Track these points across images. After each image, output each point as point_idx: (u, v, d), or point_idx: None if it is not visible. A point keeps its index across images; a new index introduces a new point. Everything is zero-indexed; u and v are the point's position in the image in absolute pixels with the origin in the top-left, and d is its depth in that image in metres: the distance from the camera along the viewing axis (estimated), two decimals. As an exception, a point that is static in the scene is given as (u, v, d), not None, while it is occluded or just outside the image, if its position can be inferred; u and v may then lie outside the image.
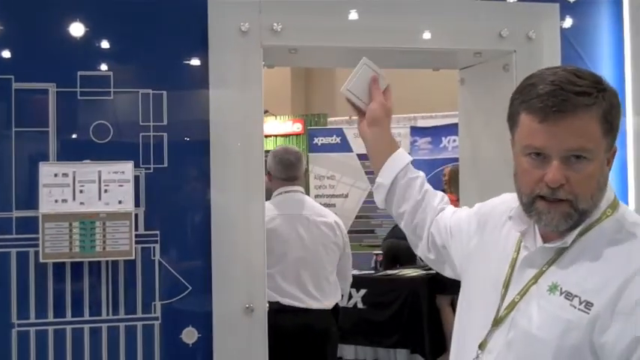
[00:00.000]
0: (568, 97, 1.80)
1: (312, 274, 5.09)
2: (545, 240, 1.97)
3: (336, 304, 5.29)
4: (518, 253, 2.05)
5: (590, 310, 1.79)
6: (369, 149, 2.76)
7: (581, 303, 1.81)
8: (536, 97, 1.85)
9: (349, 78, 2.78)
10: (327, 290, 5.15)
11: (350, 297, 8.37)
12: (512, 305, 1.95)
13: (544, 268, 1.93)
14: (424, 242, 2.59)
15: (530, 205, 1.91)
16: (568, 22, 4.23)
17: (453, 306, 8.02)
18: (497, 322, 1.98)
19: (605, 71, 4.26)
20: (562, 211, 1.86)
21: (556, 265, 1.92)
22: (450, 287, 6.57)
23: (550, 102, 1.81)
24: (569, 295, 1.84)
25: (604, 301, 1.78)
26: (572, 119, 1.80)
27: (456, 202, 6.57)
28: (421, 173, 2.67)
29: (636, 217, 1.98)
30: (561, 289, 1.87)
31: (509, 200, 2.17)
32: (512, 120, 1.96)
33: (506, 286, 2.01)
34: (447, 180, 8.38)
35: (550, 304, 1.87)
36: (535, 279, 1.94)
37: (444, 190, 9.01)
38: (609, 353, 1.75)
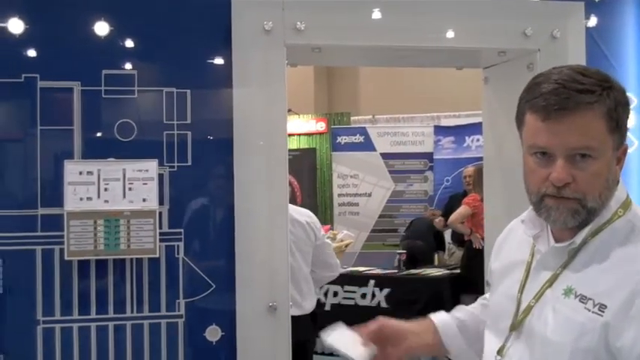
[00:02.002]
0: (570, 95, 1.78)
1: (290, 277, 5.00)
2: (557, 242, 1.96)
3: (314, 310, 5.23)
4: (532, 258, 2.03)
5: (603, 312, 1.77)
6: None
7: (594, 306, 1.79)
8: (540, 96, 1.83)
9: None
10: (305, 290, 5.11)
11: (373, 296, 8.38)
12: (528, 310, 1.94)
13: (558, 272, 1.91)
14: None
15: (539, 203, 1.89)
16: (593, 21, 4.20)
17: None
18: (514, 327, 1.97)
19: (630, 69, 4.23)
20: (570, 207, 1.84)
21: (570, 267, 1.90)
22: (474, 287, 6.59)
23: (552, 100, 1.80)
24: (583, 299, 1.82)
25: (617, 303, 1.76)
26: (575, 117, 1.79)
27: (480, 202, 6.58)
28: (460, 309, 2.48)
29: None
30: (576, 292, 1.84)
31: (519, 217, 2.17)
32: (519, 120, 1.95)
33: (522, 290, 1.99)
34: (472, 180, 8.34)
35: (565, 307, 1.85)
36: (550, 282, 1.92)
37: (465, 192, 9.02)
38: (627, 357, 1.74)
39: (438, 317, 2.39)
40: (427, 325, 2.38)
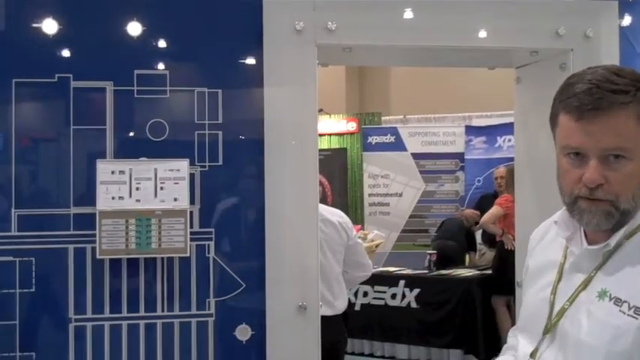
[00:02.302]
0: (604, 95, 1.76)
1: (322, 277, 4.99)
2: (590, 244, 1.94)
3: (345, 311, 5.22)
4: (565, 259, 2.01)
5: (639, 315, 1.75)
6: None
7: (630, 308, 1.77)
8: (573, 96, 1.81)
9: None
10: (336, 290, 5.10)
11: (403, 296, 8.36)
12: (562, 312, 1.92)
13: (592, 274, 1.89)
14: None
15: (572, 205, 1.88)
16: (627, 20, 4.16)
17: (509, 307, 7.96)
18: (547, 330, 1.95)
19: (664, 70, 4.18)
20: (603, 209, 1.81)
21: (604, 270, 1.88)
22: (506, 288, 6.55)
23: (586, 100, 1.78)
24: (618, 301, 1.80)
25: None
26: (608, 118, 1.76)
27: (512, 203, 6.56)
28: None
29: None
30: (610, 294, 1.82)
31: (552, 217, 2.15)
32: (553, 121, 1.93)
33: (555, 292, 1.98)
34: (505, 181, 8.29)
35: (599, 310, 1.82)
36: (584, 285, 1.89)
37: (495, 192, 8.98)
38: None
39: None
40: None
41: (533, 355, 1.98)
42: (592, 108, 1.77)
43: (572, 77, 1.88)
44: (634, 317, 1.76)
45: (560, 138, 1.89)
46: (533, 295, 2.10)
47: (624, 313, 1.77)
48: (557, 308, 1.94)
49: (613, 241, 1.84)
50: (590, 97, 1.78)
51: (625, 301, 1.78)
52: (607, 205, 1.81)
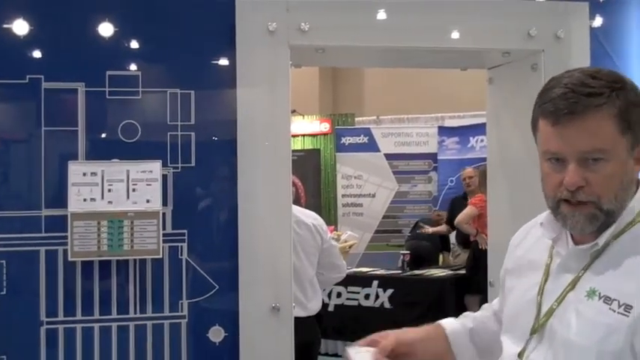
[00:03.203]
0: (578, 99, 1.78)
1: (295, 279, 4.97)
2: (577, 244, 1.95)
3: (319, 312, 5.21)
4: (551, 260, 2.02)
5: (629, 312, 1.76)
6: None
7: (620, 306, 1.78)
8: (549, 101, 1.83)
9: None
10: (310, 292, 5.09)
11: (377, 297, 8.38)
12: (550, 313, 1.92)
13: (580, 274, 1.90)
14: None
15: (555, 209, 1.89)
16: (598, 21, 4.19)
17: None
18: (535, 330, 1.96)
19: (635, 69, 4.22)
20: (586, 213, 1.83)
21: (592, 270, 1.89)
22: (479, 288, 6.58)
23: (561, 105, 1.80)
24: (607, 300, 1.81)
25: None
26: (583, 121, 1.78)
27: (486, 203, 6.59)
28: (468, 316, 2.46)
29: None
30: (600, 293, 1.83)
31: (536, 221, 2.17)
32: (534, 125, 1.95)
33: (542, 293, 1.98)
34: (478, 181, 8.33)
35: (589, 309, 1.83)
36: (572, 285, 1.90)
37: (465, 193, 9.02)
38: None
39: (450, 325, 2.37)
40: (437, 332, 2.36)
41: (520, 355, 1.98)
42: (567, 112, 1.79)
43: (551, 81, 1.90)
44: (624, 315, 1.76)
45: (540, 143, 1.90)
46: (517, 296, 2.10)
47: (614, 311, 1.78)
48: (544, 309, 1.94)
49: (601, 240, 1.86)
50: (565, 101, 1.79)
51: (615, 300, 1.79)
52: (591, 208, 1.83)
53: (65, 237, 3.60)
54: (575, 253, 1.93)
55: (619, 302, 1.78)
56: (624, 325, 1.76)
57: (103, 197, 3.64)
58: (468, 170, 8.97)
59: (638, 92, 1.87)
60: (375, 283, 8.44)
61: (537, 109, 1.90)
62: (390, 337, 2.23)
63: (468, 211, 8.26)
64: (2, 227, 3.63)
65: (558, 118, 1.80)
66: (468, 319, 2.42)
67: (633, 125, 1.83)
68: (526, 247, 2.18)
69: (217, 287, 3.79)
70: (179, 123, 3.77)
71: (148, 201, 3.67)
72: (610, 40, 4.23)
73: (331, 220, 12.17)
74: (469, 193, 8.78)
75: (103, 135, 3.76)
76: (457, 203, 9.19)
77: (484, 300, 7.70)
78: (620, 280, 1.82)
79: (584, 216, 1.84)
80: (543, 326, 1.93)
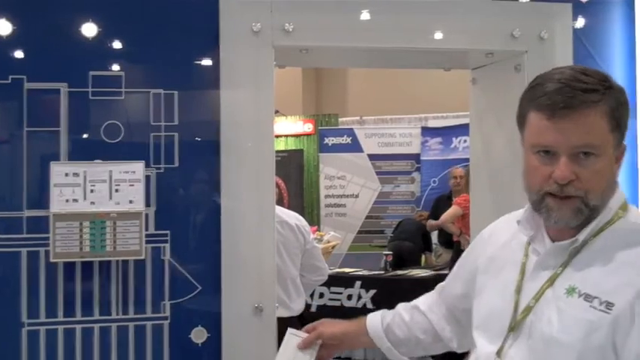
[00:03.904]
0: (575, 94, 1.82)
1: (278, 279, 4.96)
2: (554, 241, 1.97)
3: (302, 312, 5.22)
4: (527, 258, 2.04)
5: (611, 310, 1.79)
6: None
7: (601, 304, 1.81)
8: (544, 95, 1.86)
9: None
10: (293, 292, 5.09)
11: (359, 297, 8.38)
12: (528, 310, 1.94)
13: (558, 271, 1.93)
14: (453, 328, 2.51)
15: (539, 202, 1.92)
16: (580, 22, 4.20)
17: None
18: (512, 328, 1.97)
19: (617, 71, 4.24)
20: (572, 207, 1.87)
21: (571, 267, 1.92)
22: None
23: (558, 99, 1.83)
24: (588, 297, 1.84)
25: (625, 301, 1.78)
26: (580, 116, 1.82)
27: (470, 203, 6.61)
28: (391, 312, 2.64)
29: None
30: (579, 291, 1.86)
31: (508, 218, 2.21)
32: (521, 120, 1.97)
33: (519, 291, 2.00)
34: (464, 181, 8.36)
35: (569, 306, 1.86)
36: (550, 282, 1.93)
37: (451, 193, 9.05)
38: (628, 355, 1.75)
39: (370, 318, 2.63)
40: (361, 326, 2.64)
41: (499, 353, 1.99)
42: (564, 106, 1.82)
43: (538, 78, 1.93)
44: (606, 312, 1.79)
45: (530, 136, 1.93)
46: (492, 295, 2.11)
47: (596, 309, 1.81)
48: (522, 306, 1.96)
49: (581, 236, 1.89)
50: (561, 95, 1.83)
51: (595, 297, 1.82)
52: (577, 202, 1.86)
53: (47, 238, 3.58)
54: (553, 250, 1.96)
55: (600, 300, 1.81)
56: (606, 322, 1.79)
57: (85, 198, 3.62)
58: (459, 170, 9.00)
59: (624, 92, 1.92)
60: (358, 283, 8.44)
61: (527, 103, 1.93)
62: (315, 331, 2.63)
63: (453, 211, 8.29)
64: (-17, 228, 3.61)
65: (554, 111, 1.84)
66: (388, 314, 2.61)
67: (621, 124, 1.88)
68: (497, 245, 2.20)
69: (200, 288, 3.78)
70: (162, 123, 3.76)
71: (130, 202, 3.65)
72: (593, 41, 4.25)
73: (314, 220, 12.18)
74: (455, 193, 8.82)
75: (86, 135, 3.74)
76: (441, 203, 9.23)
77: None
78: (600, 278, 1.85)
79: (571, 209, 1.87)
80: (521, 323, 1.95)
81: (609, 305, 1.79)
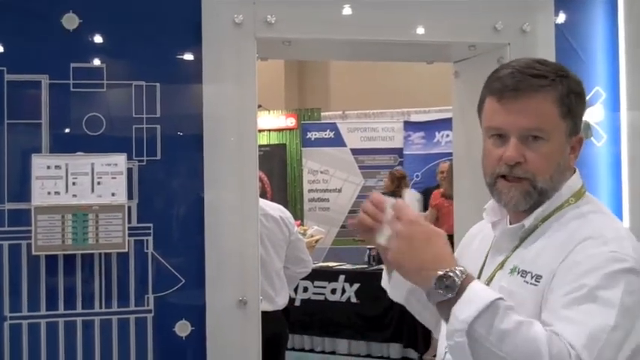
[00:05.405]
0: (524, 78, 1.90)
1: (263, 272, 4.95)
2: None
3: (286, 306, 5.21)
4: (491, 247, 2.12)
5: (539, 282, 1.86)
6: None
7: (532, 277, 1.88)
8: (497, 80, 1.95)
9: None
10: (278, 286, 5.09)
11: (343, 291, 8.39)
12: None
13: (509, 254, 2.00)
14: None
15: (492, 185, 1.99)
16: (562, 16, 4.22)
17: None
18: None
19: (600, 65, 4.26)
20: (521, 189, 1.93)
21: (519, 249, 1.99)
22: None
23: (508, 82, 1.91)
24: (524, 273, 1.91)
25: (549, 271, 1.85)
26: (528, 99, 1.89)
27: (441, 199, 6.62)
28: None
29: (599, 206, 2.04)
30: (519, 269, 1.94)
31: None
32: (480, 108, 2.05)
33: (480, 276, 2.05)
34: (447, 176, 8.41)
35: (508, 284, 1.93)
36: (501, 265, 2.01)
37: (438, 186, 9.11)
38: (548, 296, 1.81)
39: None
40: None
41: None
42: (512, 89, 1.90)
43: (498, 68, 2.02)
44: (535, 285, 1.87)
45: (485, 120, 2.01)
46: None
47: (527, 283, 1.89)
48: None
49: (528, 222, 1.97)
50: (511, 79, 1.91)
51: (529, 272, 1.91)
52: (526, 185, 1.93)
53: (29, 231, 3.56)
54: (506, 233, 2.05)
55: (532, 274, 1.90)
56: (534, 294, 1.86)
57: (67, 191, 3.60)
58: (446, 165, 9.06)
59: (580, 84, 1.99)
60: (342, 277, 8.47)
61: (484, 90, 2.02)
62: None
63: (429, 214, 8.39)
64: (-36, 221, 3.59)
65: (503, 93, 1.92)
66: None
67: (573, 112, 1.95)
68: (473, 245, 2.27)
69: (184, 281, 3.77)
70: (144, 116, 3.74)
71: (113, 194, 3.63)
72: (574, 34, 4.27)
73: (297, 214, 12.17)
74: (442, 187, 8.97)
75: (67, 128, 3.72)
76: (431, 195, 9.30)
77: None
78: (537, 255, 1.93)
79: (519, 192, 1.94)
80: None
81: (538, 278, 1.87)
